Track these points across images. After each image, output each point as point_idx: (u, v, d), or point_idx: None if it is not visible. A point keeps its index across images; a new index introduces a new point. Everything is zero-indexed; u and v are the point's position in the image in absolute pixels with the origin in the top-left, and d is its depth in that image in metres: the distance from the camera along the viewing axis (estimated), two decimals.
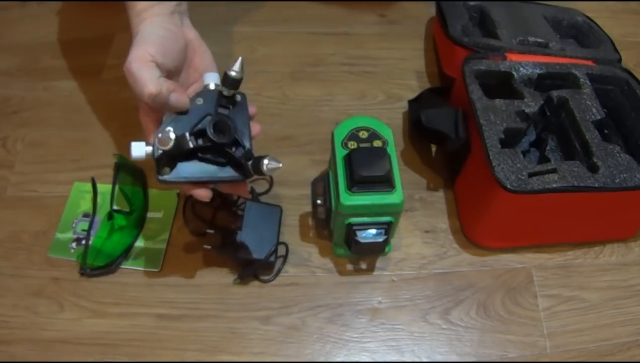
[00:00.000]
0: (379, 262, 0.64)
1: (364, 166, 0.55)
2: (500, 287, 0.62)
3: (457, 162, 0.67)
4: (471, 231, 0.65)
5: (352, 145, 0.58)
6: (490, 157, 0.58)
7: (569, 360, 0.58)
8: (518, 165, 0.58)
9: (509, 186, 0.56)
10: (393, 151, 0.58)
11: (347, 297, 0.61)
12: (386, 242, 0.57)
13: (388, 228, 0.57)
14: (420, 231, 0.66)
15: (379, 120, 0.60)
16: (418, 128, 0.67)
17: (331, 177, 0.59)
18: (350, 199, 0.55)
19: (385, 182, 0.55)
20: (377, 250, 0.60)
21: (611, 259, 0.65)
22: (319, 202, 0.59)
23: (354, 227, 0.56)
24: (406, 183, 0.69)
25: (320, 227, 0.65)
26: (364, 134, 0.58)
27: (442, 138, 0.65)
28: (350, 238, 0.57)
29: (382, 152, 0.57)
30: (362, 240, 0.56)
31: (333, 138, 0.59)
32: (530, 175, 0.57)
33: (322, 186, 0.60)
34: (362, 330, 0.59)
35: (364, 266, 0.63)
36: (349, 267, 0.63)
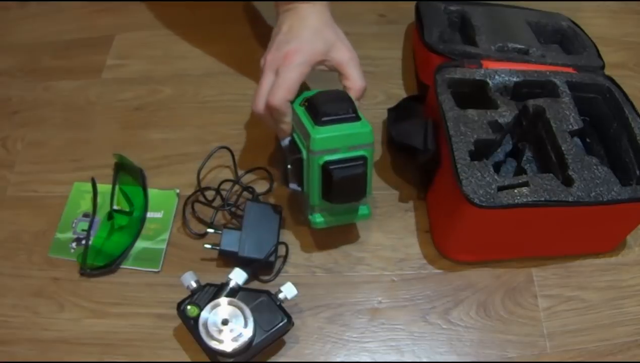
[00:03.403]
0: (379, 262, 0.64)
1: (327, 101, 0.56)
2: (500, 287, 0.62)
3: (429, 173, 0.65)
4: (441, 244, 0.64)
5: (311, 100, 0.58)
6: (459, 170, 0.56)
7: (569, 360, 0.58)
8: (487, 178, 0.56)
9: (476, 201, 0.54)
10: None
11: (347, 297, 0.61)
12: (365, 178, 0.56)
13: (364, 163, 0.56)
14: (420, 231, 0.66)
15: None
16: (390, 142, 0.66)
17: (296, 136, 0.58)
18: (320, 132, 0.54)
19: (350, 114, 0.56)
20: (357, 189, 0.57)
21: (611, 259, 0.65)
22: (289, 165, 0.58)
23: (330, 166, 0.55)
24: (406, 183, 0.69)
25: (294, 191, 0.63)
26: None
27: (413, 151, 0.63)
28: (327, 180, 0.56)
29: (341, 92, 0.58)
30: (340, 175, 0.55)
31: (292, 108, 0.59)
32: (501, 188, 0.55)
33: (288, 147, 0.59)
34: (362, 330, 0.59)
35: (364, 266, 0.63)
36: (349, 267, 0.63)
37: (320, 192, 0.57)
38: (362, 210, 0.61)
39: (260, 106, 0.60)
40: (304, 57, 0.59)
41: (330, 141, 0.55)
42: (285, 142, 0.60)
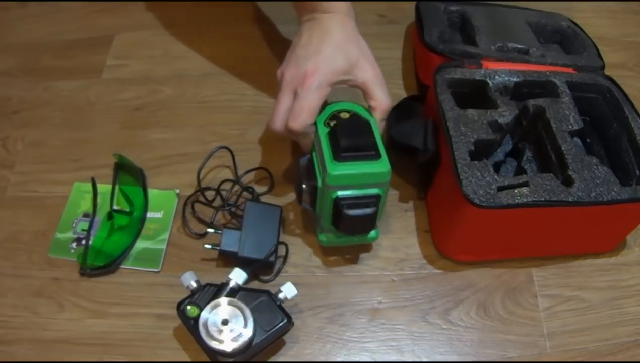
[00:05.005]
0: (379, 262, 0.64)
1: (349, 135, 0.54)
2: (500, 287, 0.62)
3: (429, 173, 0.65)
4: (441, 244, 0.64)
5: (335, 124, 0.57)
6: (458, 170, 0.56)
7: (569, 360, 0.58)
8: (487, 178, 0.56)
9: (476, 201, 0.54)
10: (376, 129, 0.58)
11: (347, 297, 0.61)
12: (375, 217, 0.56)
13: (376, 202, 0.56)
14: (420, 231, 0.66)
15: (360, 105, 0.60)
16: (391, 142, 0.65)
17: (315, 157, 0.58)
18: (336, 169, 0.54)
19: (371, 151, 0.55)
20: (366, 225, 0.58)
21: (611, 259, 0.65)
22: (304, 186, 0.57)
23: (342, 202, 0.55)
24: (406, 183, 0.69)
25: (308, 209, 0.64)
26: (345, 115, 0.58)
27: (413, 151, 0.63)
28: (338, 214, 0.56)
29: (365, 123, 0.57)
30: (350, 213, 0.54)
31: (315, 122, 0.59)
32: (501, 188, 0.55)
33: (305, 167, 0.59)
34: (362, 330, 0.59)
35: (364, 266, 0.63)
36: (349, 267, 0.63)
37: (330, 219, 0.58)
38: (371, 234, 0.61)
39: (278, 125, 0.59)
40: (323, 77, 0.58)
41: (346, 178, 0.54)
42: (304, 160, 0.59)
